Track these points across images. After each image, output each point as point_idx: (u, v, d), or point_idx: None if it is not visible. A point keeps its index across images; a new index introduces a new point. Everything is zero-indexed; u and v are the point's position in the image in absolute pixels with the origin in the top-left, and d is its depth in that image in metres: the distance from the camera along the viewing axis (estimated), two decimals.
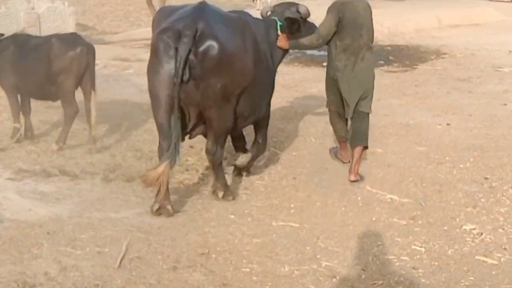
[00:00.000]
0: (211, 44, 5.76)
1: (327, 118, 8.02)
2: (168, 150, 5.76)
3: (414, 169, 7.70)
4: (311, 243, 5.70)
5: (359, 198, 6.87)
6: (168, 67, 5.67)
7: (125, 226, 5.70)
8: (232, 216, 6.16)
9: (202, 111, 6.01)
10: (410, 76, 12.88)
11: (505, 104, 10.67)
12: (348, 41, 7.04)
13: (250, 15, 7.07)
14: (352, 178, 7.22)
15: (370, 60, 7.41)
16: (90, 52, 7.80)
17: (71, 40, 7.85)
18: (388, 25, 18.05)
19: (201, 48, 5.72)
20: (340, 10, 6.98)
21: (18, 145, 7.93)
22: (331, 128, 8.45)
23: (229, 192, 6.53)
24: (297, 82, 12.24)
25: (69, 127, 7.81)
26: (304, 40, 7.13)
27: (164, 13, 6.51)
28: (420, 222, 6.32)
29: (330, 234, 5.94)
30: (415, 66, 13.90)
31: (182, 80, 5.63)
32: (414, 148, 8.53)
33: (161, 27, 5.95)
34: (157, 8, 21.45)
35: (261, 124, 7.15)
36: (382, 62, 14.38)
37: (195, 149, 8.02)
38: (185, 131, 6.23)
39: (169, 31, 5.77)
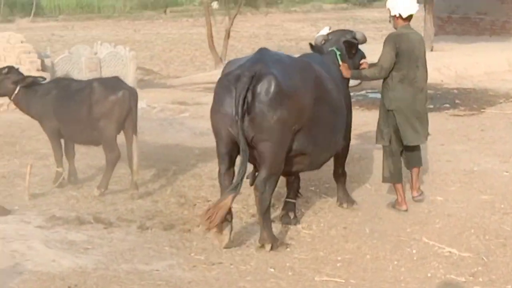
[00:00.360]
0: (267, 81, 5.94)
1: None
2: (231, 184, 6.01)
3: (477, 219, 7.11)
4: None
5: (414, 251, 6.32)
6: (228, 106, 5.96)
7: (153, 280, 5.27)
8: (272, 270, 5.68)
9: (256, 146, 6.06)
10: (477, 120, 12.23)
11: None
12: (405, 71, 7.16)
13: (319, 57, 7.22)
14: (415, 194, 7.51)
15: (426, 92, 7.55)
16: (132, 96, 7.59)
17: (113, 84, 7.67)
18: (455, 67, 17.46)
19: (258, 85, 5.91)
20: (396, 41, 7.11)
21: (60, 190, 7.72)
22: None
23: (278, 244, 6.21)
24: (356, 126, 11.72)
25: (110, 172, 7.58)
26: (367, 72, 7.37)
27: (231, 64, 6.74)
28: (481, 279, 5.73)
29: None
30: (482, 110, 13.24)
31: (243, 118, 5.83)
32: (477, 197, 7.93)
33: (223, 74, 6.38)
34: (220, 53, 21.88)
35: (340, 159, 7.52)
36: (447, 105, 13.83)
37: (242, 195, 7.64)
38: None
39: (230, 75, 6.14)
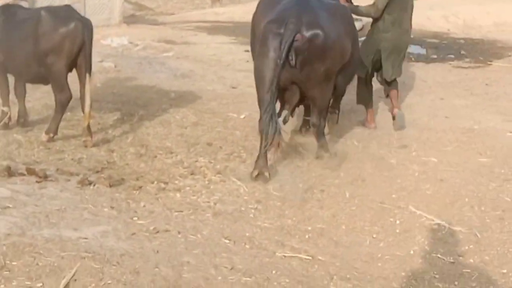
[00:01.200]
0: (316, 33, 6.14)
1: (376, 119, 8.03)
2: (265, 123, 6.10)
3: (473, 187, 6.26)
4: (320, 286, 4.33)
5: (397, 221, 5.50)
6: (275, 52, 6.05)
7: (76, 251, 4.29)
8: (226, 241, 4.77)
9: (306, 91, 6.41)
10: (481, 74, 11.26)
11: None
12: (396, 14, 7.71)
13: None
14: (395, 111, 8.07)
15: (410, 32, 8.17)
16: (86, 28, 6.56)
17: (64, 14, 6.64)
18: (464, 16, 16.41)
19: (307, 36, 6.07)
20: None
21: (2, 133, 6.79)
22: (378, 132, 7.80)
23: (333, 152, 6.81)
24: None
25: (60, 115, 6.63)
26: (363, 8, 7.87)
27: (267, 2, 6.94)
28: (472, 260, 4.91)
29: (349, 272, 4.54)
30: (489, 63, 12.25)
31: (284, 63, 5.97)
32: (475, 160, 7.07)
33: (269, 18, 6.33)
34: None
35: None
36: (452, 56, 12.87)
37: (211, 148, 6.83)
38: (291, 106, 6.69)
39: (277, 21, 6.17)
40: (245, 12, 17.20)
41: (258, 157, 6.20)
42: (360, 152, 7.10)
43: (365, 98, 8.13)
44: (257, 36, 6.61)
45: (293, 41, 5.95)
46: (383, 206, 5.72)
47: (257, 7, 7.21)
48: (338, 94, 7.47)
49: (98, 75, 9.57)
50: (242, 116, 8.12)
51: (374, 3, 7.73)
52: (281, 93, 6.34)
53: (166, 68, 10.56)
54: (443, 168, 6.75)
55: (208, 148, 6.82)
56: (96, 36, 12.17)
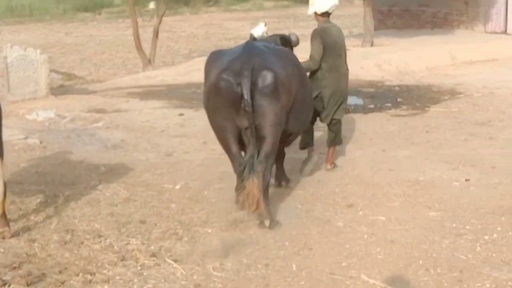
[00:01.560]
0: (267, 74, 6.33)
1: (320, 176, 8.06)
2: (244, 171, 6.24)
3: (425, 246, 5.89)
4: None
5: None
6: (234, 102, 6.24)
7: None
8: None
9: (258, 132, 6.36)
10: (421, 121, 11.05)
11: None
12: (331, 61, 8.01)
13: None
14: (329, 166, 8.34)
15: (347, 75, 8.40)
16: None
17: None
18: (396, 63, 16.40)
19: (259, 78, 6.28)
20: (321, 35, 7.98)
21: None
22: (322, 191, 7.48)
23: (275, 221, 6.47)
24: None
25: None
26: (304, 65, 7.81)
27: (215, 56, 7.06)
28: None
29: None
30: (426, 109, 12.09)
31: (251, 108, 6.17)
32: (424, 215, 6.74)
33: (219, 69, 6.46)
34: (148, 54, 20.40)
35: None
36: (389, 104, 12.66)
37: (145, 225, 6.29)
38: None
39: (228, 70, 6.36)
40: (177, 74, 16.89)
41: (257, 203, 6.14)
42: (305, 216, 6.68)
43: (306, 142, 8.25)
44: (206, 91, 6.80)
45: (254, 86, 6.21)
46: (333, 278, 5.26)
47: (205, 70, 7.15)
48: (291, 139, 7.47)
49: (22, 153, 9.02)
50: (177, 187, 7.64)
51: (310, 56, 8.00)
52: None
53: (96, 140, 10.01)
54: (392, 227, 6.36)
55: (141, 227, 6.28)
56: (21, 110, 11.72)
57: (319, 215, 6.72)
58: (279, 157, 7.42)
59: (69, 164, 8.64)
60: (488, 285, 5.08)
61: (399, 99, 13.04)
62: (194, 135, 10.38)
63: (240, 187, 6.36)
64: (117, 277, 5.14)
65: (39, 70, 13.66)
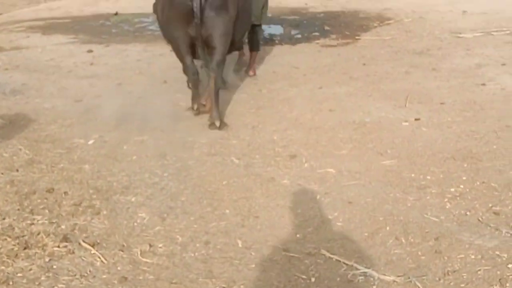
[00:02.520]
0: None
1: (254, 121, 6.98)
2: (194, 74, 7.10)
3: (389, 206, 4.99)
4: None
5: (312, 278, 4.07)
6: (185, 14, 6.65)
7: None
8: None
9: (209, 42, 6.91)
10: (354, 51, 10.11)
11: (483, 84, 8.04)
12: None
13: None
14: (251, 73, 8.91)
15: None
16: None
17: None
18: None
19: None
20: None
21: None
22: (259, 140, 6.57)
23: (224, 123, 6.99)
24: None
25: None
26: None
27: None
28: None
29: None
30: (357, 37, 11.15)
31: (201, 20, 6.63)
32: (378, 164, 5.87)
33: None
34: None
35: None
36: (317, 34, 11.67)
37: (54, 195, 5.12)
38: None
39: None
40: (83, 4, 15.36)
41: (213, 107, 6.92)
42: (244, 174, 5.65)
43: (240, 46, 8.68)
44: (161, 4, 7.10)
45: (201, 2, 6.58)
46: (288, 256, 4.29)
47: None
48: (237, 46, 8.11)
49: None
50: (90, 142, 6.44)
51: None
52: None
53: None
54: (346, 182, 5.46)
55: (48, 198, 5.09)
56: None
57: (260, 171, 5.72)
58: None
59: None
60: (472, 256, 4.22)
61: (326, 27, 12.07)
62: (106, 75, 9.12)
63: (194, 94, 7.40)
64: (19, 275, 3.96)
65: None
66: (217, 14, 6.82)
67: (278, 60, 9.61)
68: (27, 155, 6.02)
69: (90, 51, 10.59)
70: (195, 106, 7.29)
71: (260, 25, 8.82)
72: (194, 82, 7.28)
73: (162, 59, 9.89)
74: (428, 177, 5.52)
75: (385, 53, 9.79)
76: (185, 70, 7.24)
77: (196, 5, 6.60)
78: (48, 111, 7.47)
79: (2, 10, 18.04)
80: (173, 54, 8.28)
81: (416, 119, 6.94)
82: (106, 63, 9.75)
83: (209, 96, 7.02)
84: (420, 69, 8.80)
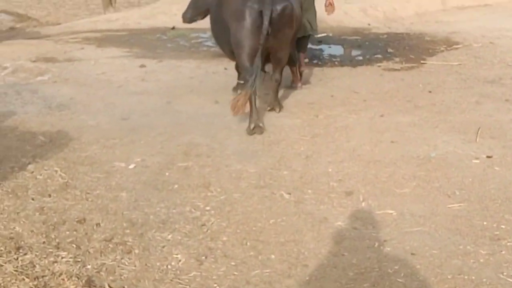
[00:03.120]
0: (287, 5, 7.07)
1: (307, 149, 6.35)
2: (251, 82, 6.86)
3: (458, 260, 4.33)
4: None
5: None
6: (255, 24, 6.90)
7: None
8: None
9: (275, 53, 7.37)
10: (419, 76, 9.42)
11: None
12: None
13: None
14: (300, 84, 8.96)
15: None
16: None
17: None
18: (383, 8, 14.73)
19: (279, 9, 6.97)
20: None
21: None
22: (312, 172, 5.96)
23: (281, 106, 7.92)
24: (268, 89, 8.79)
25: None
26: None
27: None
28: None
29: None
30: (422, 62, 10.44)
31: (270, 33, 6.89)
32: (445, 207, 5.23)
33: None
34: None
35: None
36: (379, 56, 10.99)
37: (84, 226, 4.62)
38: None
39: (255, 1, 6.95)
40: (141, 17, 15.00)
41: (251, 111, 7.08)
42: (294, 213, 5.07)
43: (294, 59, 8.46)
44: (230, 13, 7.19)
45: (271, 14, 6.83)
46: None
47: None
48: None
49: None
50: (131, 166, 5.96)
51: None
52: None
53: (39, 98, 8.23)
54: (408, 227, 4.84)
55: (79, 229, 4.62)
56: None
57: (312, 209, 5.14)
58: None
59: (2, 132, 6.89)
60: None
61: (389, 50, 11.37)
62: (156, 92, 8.66)
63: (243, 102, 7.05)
64: None
65: None
66: (284, 28, 7.18)
67: (337, 83, 9.01)
68: (62, 178, 5.56)
69: (142, 66, 10.17)
70: (252, 126, 7.12)
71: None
72: (249, 83, 7.01)
73: (216, 77, 9.41)
74: (503, 226, 4.86)
75: (453, 80, 9.08)
76: (246, 73, 7.18)
77: (266, 18, 6.85)
78: (92, 129, 7.03)
79: (63, 20, 17.95)
80: (227, 73, 7.70)
81: (488, 157, 6.25)
82: (158, 79, 9.31)
83: (249, 101, 6.99)
84: (492, 99, 8.06)
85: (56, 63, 10.37)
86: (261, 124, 7.06)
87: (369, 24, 13.62)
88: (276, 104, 7.80)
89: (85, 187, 5.41)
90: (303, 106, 7.97)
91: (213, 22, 7.86)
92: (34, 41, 12.55)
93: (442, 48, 11.38)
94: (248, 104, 6.90)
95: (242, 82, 7.56)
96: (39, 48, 11.57)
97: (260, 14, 6.84)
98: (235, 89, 8.19)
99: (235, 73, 8.48)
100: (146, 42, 12.20)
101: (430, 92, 8.49)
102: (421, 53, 11.08)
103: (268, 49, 7.15)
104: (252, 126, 6.99)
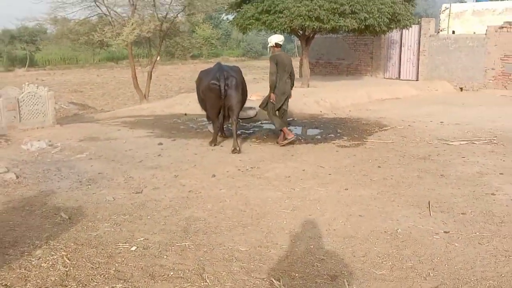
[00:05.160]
0: (233, 79, 7.35)
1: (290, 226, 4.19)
2: (217, 129, 7.78)
3: None
4: None
5: None
6: (218, 93, 7.26)
7: None
8: None
9: (230, 107, 7.41)
10: (366, 153, 7.55)
11: (493, 194, 5.40)
12: (280, 74, 7.56)
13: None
14: (285, 141, 7.79)
15: (290, 83, 7.83)
16: None
17: None
18: (330, 100, 12.86)
19: (228, 82, 7.28)
20: (275, 58, 7.58)
21: None
22: (296, 250, 3.90)
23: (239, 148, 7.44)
24: (254, 163, 6.85)
25: None
26: (270, 83, 7.62)
27: (204, 72, 7.86)
28: None
29: None
30: (364, 140, 8.59)
31: (225, 96, 7.25)
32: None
33: (209, 78, 7.41)
34: (144, 90, 16.53)
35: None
36: (332, 135, 9.10)
37: None
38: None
39: (214, 79, 7.28)
40: (164, 106, 13.05)
41: (234, 140, 7.32)
42: None
43: (280, 123, 7.82)
44: (202, 89, 7.64)
45: (225, 85, 7.22)
46: None
47: (199, 79, 7.91)
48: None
49: None
50: (133, 248, 3.96)
51: (270, 73, 7.60)
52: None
53: (74, 173, 6.24)
54: None
55: None
56: (24, 139, 7.85)
57: None
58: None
59: (30, 208, 4.88)
60: None
61: (339, 130, 9.53)
62: (167, 167, 6.69)
63: (214, 140, 7.82)
64: None
65: (47, 104, 9.81)
66: (234, 92, 7.34)
67: (305, 158, 7.13)
68: (64, 267, 3.55)
69: (160, 144, 8.23)
70: (213, 144, 7.76)
71: (286, 110, 7.98)
72: (216, 129, 7.80)
73: (214, 153, 7.47)
74: None
75: (394, 156, 7.23)
76: (213, 123, 7.80)
77: (222, 88, 7.18)
78: (108, 205, 5.04)
79: (115, 108, 16.05)
80: (222, 149, 5.87)
81: (445, 232, 4.37)
82: (170, 155, 7.36)
83: (233, 137, 7.36)
84: (430, 174, 6.20)
85: (98, 141, 8.40)
86: (238, 148, 7.26)
87: (321, 111, 11.81)
88: (237, 145, 7.39)
89: (84, 277, 3.39)
90: (282, 179, 6.04)
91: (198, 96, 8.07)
92: (87, 124, 10.57)
93: (376, 129, 9.57)
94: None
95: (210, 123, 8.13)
96: (88, 130, 9.59)
97: (219, 86, 7.24)
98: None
99: (228, 150, 6.70)
100: (165, 125, 10.28)
101: (379, 167, 6.61)
102: (362, 132, 9.26)
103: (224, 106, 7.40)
104: (232, 148, 7.28)
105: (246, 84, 8.08)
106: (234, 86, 7.31)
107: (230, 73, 7.42)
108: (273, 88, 7.61)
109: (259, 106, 8.24)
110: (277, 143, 7.95)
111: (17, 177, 5.92)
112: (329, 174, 6.26)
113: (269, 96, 7.80)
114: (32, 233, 4.14)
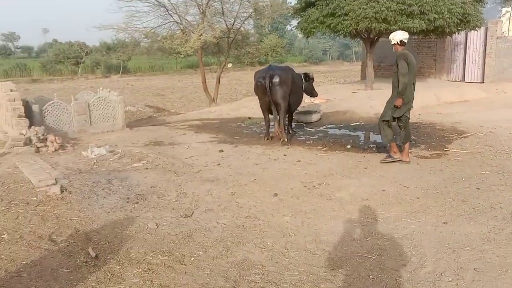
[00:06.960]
0: (277, 76, 6.83)
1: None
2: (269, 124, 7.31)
3: None
4: None
5: None
6: (263, 90, 6.88)
7: None
8: None
9: (275, 102, 6.86)
10: (454, 168, 5.54)
11: None
12: (411, 77, 5.61)
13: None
14: (407, 159, 5.71)
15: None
16: None
17: None
18: None
19: (273, 79, 6.81)
20: (406, 57, 5.57)
21: None
22: None
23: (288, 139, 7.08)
24: (322, 178, 5.10)
25: None
26: (401, 86, 5.54)
27: (257, 72, 7.23)
28: None
29: None
30: (445, 149, 6.53)
31: (270, 92, 6.77)
32: None
33: (257, 77, 7.03)
34: (213, 94, 15.21)
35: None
36: None
37: None
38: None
39: (260, 77, 6.95)
40: (230, 109, 11.59)
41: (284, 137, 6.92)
42: None
43: (390, 138, 5.79)
44: (254, 88, 7.21)
45: (270, 81, 6.76)
46: None
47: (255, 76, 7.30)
48: (292, 110, 7.61)
49: (28, 209, 3.95)
50: None
51: (400, 73, 5.53)
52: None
53: (124, 187, 4.87)
54: None
55: None
56: (92, 143, 6.62)
57: None
58: (289, 117, 7.78)
59: (57, 237, 3.53)
60: None
61: (413, 137, 7.46)
62: (225, 180, 5.16)
63: (266, 134, 7.38)
64: None
65: (117, 108, 8.72)
66: (278, 88, 6.83)
67: (382, 173, 5.29)
68: None
69: (221, 151, 6.73)
70: (266, 138, 7.30)
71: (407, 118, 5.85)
72: (267, 127, 7.39)
73: (276, 164, 5.83)
74: None
75: (490, 173, 5.18)
76: (265, 120, 7.40)
77: (267, 85, 6.78)
78: (148, 236, 3.58)
79: (190, 109, 14.92)
80: (286, 159, 4.35)
81: None
82: (230, 165, 5.83)
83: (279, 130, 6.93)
84: None
85: (161, 146, 7.09)
86: (285, 138, 6.97)
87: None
88: (284, 136, 7.01)
89: None
90: (358, 203, 4.27)
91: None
92: (154, 127, 9.36)
93: (454, 136, 7.44)
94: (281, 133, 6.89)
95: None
96: (155, 134, 8.33)
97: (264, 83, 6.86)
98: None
99: (292, 160, 5.02)
100: (229, 129, 8.80)
101: (478, 189, 4.61)
102: (439, 140, 7.18)
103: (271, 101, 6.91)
104: (280, 140, 6.95)
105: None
106: (277, 82, 6.87)
107: (276, 71, 6.97)
108: (404, 91, 5.54)
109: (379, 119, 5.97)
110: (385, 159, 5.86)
111: (62, 191, 4.65)
112: (417, 198, 4.38)
113: (397, 101, 5.68)
114: (40, 284, 2.73)
